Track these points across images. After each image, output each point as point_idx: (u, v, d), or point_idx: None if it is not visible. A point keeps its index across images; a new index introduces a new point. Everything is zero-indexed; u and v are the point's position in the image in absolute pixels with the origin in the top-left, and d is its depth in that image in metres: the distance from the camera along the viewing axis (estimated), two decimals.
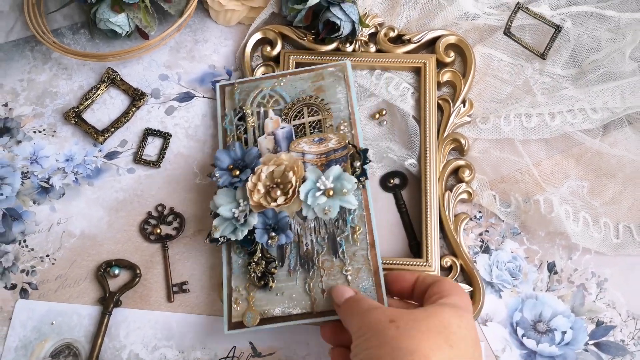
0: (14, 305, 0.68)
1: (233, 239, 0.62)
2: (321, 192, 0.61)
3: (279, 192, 0.61)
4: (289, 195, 0.61)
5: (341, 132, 0.66)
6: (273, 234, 0.61)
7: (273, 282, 0.62)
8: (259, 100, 0.69)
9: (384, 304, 0.59)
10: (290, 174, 0.62)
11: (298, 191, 0.61)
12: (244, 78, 0.73)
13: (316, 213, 0.61)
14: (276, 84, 0.69)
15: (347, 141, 0.65)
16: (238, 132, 0.68)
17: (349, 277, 0.61)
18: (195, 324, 0.67)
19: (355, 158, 0.64)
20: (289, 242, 0.62)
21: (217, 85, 0.72)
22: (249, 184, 0.62)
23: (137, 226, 0.71)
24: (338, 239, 0.62)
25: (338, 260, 0.62)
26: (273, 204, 0.61)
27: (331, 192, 0.61)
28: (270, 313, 0.61)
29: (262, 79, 0.71)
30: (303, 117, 0.67)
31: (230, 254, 0.64)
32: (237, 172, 0.63)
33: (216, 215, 0.63)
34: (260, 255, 0.62)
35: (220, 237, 0.62)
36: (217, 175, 0.63)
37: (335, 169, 0.62)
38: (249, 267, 0.62)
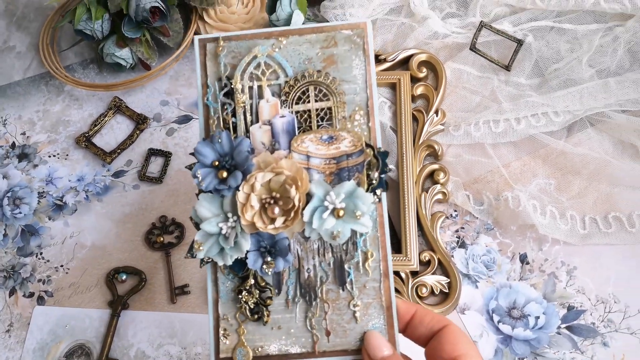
0: (32, 312, 0.75)
1: (220, 263, 0.50)
2: (329, 212, 0.49)
3: (277, 211, 0.48)
4: (290, 217, 0.49)
5: (355, 123, 0.52)
6: (269, 258, 0.49)
7: (268, 315, 0.51)
8: (251, 71, 0.52)
9: (396, 346, 0.50)
10: (293, 189, 0.48)
11: (301, 212, 0.49)
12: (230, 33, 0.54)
13: (322, 236, 0.49)
14: (274, 46, 0.52)
15: (363, 143, 0.51)
16: (224, 113, 0.52)
17: (357, 314, 0.51)
18: (196, 322, 0.72)
19: (372, 165, 0.50)
20: (287, 267, 0.51)
21: (196, 38, 0.54)
22: (240, 196, 0.48)
23: (142, 236, 0.77)
24: (346, 266, 0.51)
25: (345, 293, 0.51)
26: (270, 226, 0.49)
27: (341, 213, 0.48)
28: (264, 351, 0.51)
29: (255, 35, 0.53)
30: (308, 101, 0.52)
31: (217, 274, 0.52)
32: (225, 174, 0.49)
33: (198, 226, 0.50)
34: (254, 282, 0.51)
35: (205, 257, 0.50)
36: (199, 174, 0.49)
37: (348, 185, 0.49)
38: (240, 296, 0.51)
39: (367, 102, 0.52)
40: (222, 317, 0.51)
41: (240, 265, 0.50)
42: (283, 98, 0.52)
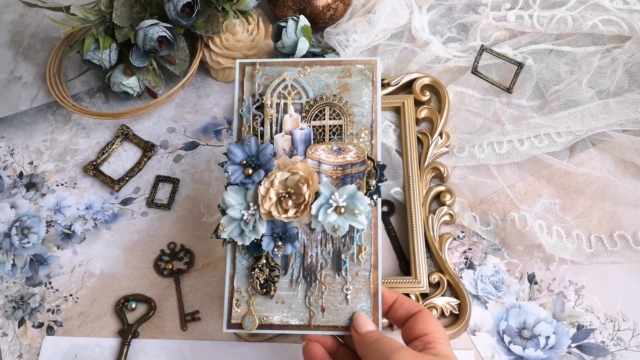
0: (41, 342, 0.72)
1: (240, 242, 0.60)
2: (332, 208, 0.59)
3: (290, 203, 0.59)
4: (300, 209, 0.59)
5: (361, 139, 0.62)
6: (280, 243, 0.60)
7: (275, 290, 0.60)
8: (280, 91, 0.64)
9: (379, 326, 0.58)
10: (305, 187, 0.58)
11: (310, 206, 0.59)
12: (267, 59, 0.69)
13: (325, 228, 0.59)
14: (300, 73, 0.64)
15: (365, 156, 0.61)
16: (255, 122, 0.64)
17: (349, 297, 0.60)
18: (208, 349, 0.70)
19: (371, 174, 0.61)
20: (294, 252, 0.61)
21: (238, 62, 0.66)
22: (262, 189, 0.59)
23: (151, 263, 0.75)
24: (343, 255, 0.60)
25: (340, 278, 0.60)
26: (284, 215, 0.59)
27: (342, 210, 0.58)
28: (269, 320, 0.60)
29: (286, 63, 0.66)
30: (324, 119, 0.63)
31: (235, 254, 0.62)
32: (250, 171, 0.60)
33: (224, 212, 0.61)
34: (265, 262, 0.61)
35: (227, 237, 0.60)
36: (229, 170, 0.60)
37: (350, 189, 0.59)
38: (253, 272, 0.61)
39: (372, 124, 0.63)
40: (236, 290, 0.61)
41: (255, 247, 0.61)
42: (303, 114, 0.64)
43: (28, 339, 0.73)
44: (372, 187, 0.60)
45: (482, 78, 0.80)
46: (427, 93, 0.80)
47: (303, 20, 0.77)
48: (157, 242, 0.77)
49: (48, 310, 0.74)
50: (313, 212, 0.59)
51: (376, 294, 0.59)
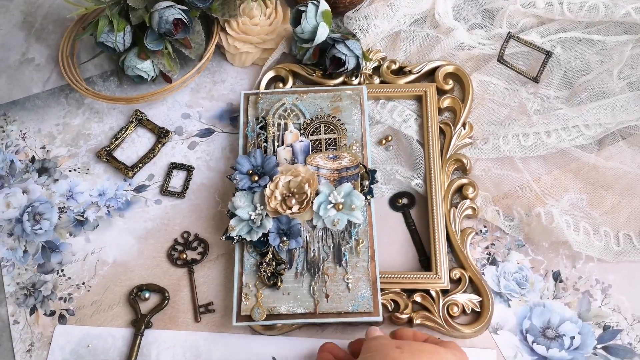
0: (53, 331, 0.71)
1: (248, 239, 0.65)
2: (332, 205, 0.65)
3: (294, 201, 0.65)
4: (303, 205, 0.65)
5: (353, 151, 0.70)
6: (285, 238, 0.65)
7: (281, 282, 0.65)
8: (280, 113, 0.73)
9: (379, 312, 0.63)
10: (306, 186, 0.65)
11: (312, 202, 0.65)
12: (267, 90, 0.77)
13: (325, 224, 0.65)
14: (297, 99, 0.73)
15: (358, 161, 0.68)
16: (259, 139, 0.71)
17: (350, 285, 0.64)
18: (222, 341, 0.68)
19: (364, 177, 0.68)
20: (298, 247, 0.65)
21: (242, 93, 0.75)
22: (267, 191, 0.66)
23: (165, 252, 0.73)
24: (343, 249, 0.65)
25: (341, 269, 0.65)
26: (288, 211, 0.65)
27: (341, 206, 0.65)
28: (276, 310, 0.64)
29: (285, 92, 0.75)
30: (320, 134, 0.71)
31: (243, 253, 0.67)
32: (256, 178, 0.67)
33: (233, 215, 0.66)
34: (272, 256, 0.65)
35: (236, 236, 0.65)
36: (237, 178, 0.67)
37: (347, 186, 0.66)
38: (260, 267, 0.65)
39: (362, 138, 0.71)
40: (245, 285, 0.66)
41: (262, 244, 0.66)
42: (301, 131, 0.72)
43: (40, 327, 0.71)
44: (365, 188, 0.67)
45: (508, 67, 0.76)
46: (450, 82, 0.77)
47: (323, 5, 0.74)
48: (171, 231, 0.74)
49: (60, 299, 0.72)
50: (314, 208, 0.65)
51: (375, 283, 0.64)
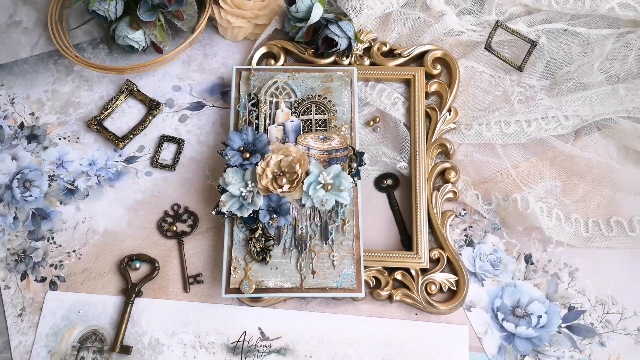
0: (44, 297, 0.72)
1: (239, 215, 0.66)
2: (321, 185, 0.66)
3: (284, 180, 0.66)
4: (293, 185, 0.66)
5: (342, 132, 0.70)
6: (274, 216, 0.66)
7: (270, 257, 0.66)
8: (272, 91, 0.73)
9: (362, 288, 0.65)
10: (297, 166, 0.66)
11: (302, 182, 0.66)
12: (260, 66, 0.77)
13: (314, 203, 0.67)
14: (290, 77, 0.73)
15: (347, 143, 0.69)
16: (250, 116, 0.71)
17: (335, 262, 0.66)
18: (209, 311, 0.70)
19: (352, 159, 0.69)
20: (287, 224, 0.67)
21: (234, 68, 0.74)
22: (259, 169, 0.66)
23: (155, 224, 0.74)
24: (329, 227, 0.67)
25: (327, 247, 0.67)
26: (279, 190, 0.66)
27: (329, 187, 0.66)
28: (264, 284, 0.66)
29: (277, 69, 0.75)
30: (311, 114, 0.72)
31: (233, 228, 0.68)
32: (248, 155, 0.67)
33: (224, 191, 0.67)
34: (261, 232, 0.67)
35: (227, 212, 0.66)
36: (229, 154, 0.67)
37: (336, 168, 0.67)
38: (249, 242, 0.66)
39: (351, 120, 0.72)
40: (234, 259, 0.67)
41: (252, 220, 0.67)
42: (293, 110, 0.72)
43: (31, 292, 0.72)
44: (353, 170, 0.68)
45: (494, 54, 0.77)
46: (439, 66, 0.78)
47: None
48: (160, 203, 0.75)
49: (51, 265, 0.73)
50: (304, 188, 0.67)
51: (359, 260, 0.66)
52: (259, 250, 0.66)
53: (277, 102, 0.72)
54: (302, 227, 0.68)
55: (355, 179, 0.68)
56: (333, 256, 0.66)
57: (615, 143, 0.75)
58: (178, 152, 0.77)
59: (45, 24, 0.84)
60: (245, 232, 0.67)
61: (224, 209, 0.66)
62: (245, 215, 0.66)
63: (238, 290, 0.66)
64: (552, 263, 0.72)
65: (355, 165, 0.68)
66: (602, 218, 0.73)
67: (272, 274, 0.66)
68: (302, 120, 0.71)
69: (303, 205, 0.68)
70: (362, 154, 0.69)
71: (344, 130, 0.71)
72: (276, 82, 0.73)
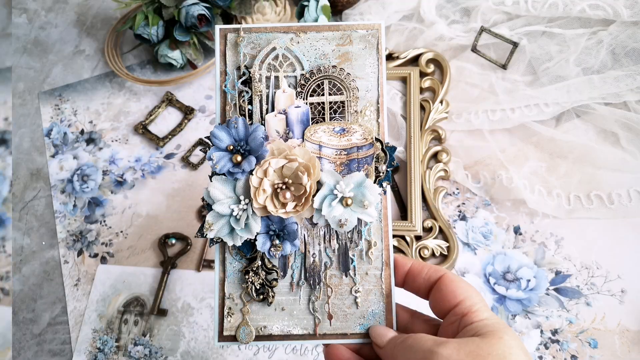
0: (96, 269, 0.81)
1: (230, 243, 0.48)
2: (338, 200, 0.47)
3: (288, 195, 0.46)
4: (300, 202, 0.47)
5: (366, 117, 0.50)
6: (277, 242, 0.48)
7: (273, 296, 0.49)
8: (269, 62, 0.50)
9: (394, 326, 0.49)
10: (305, 176, 0.46)
11: (312, 198, 0.47)
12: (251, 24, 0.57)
13: (329, 223, 0.48)
14: (293, 40, 0.50)
15: (373, 137, 0.49)
16: (241, 100, 0.50)
17: (358, 300, 0.49)
18: None
19: (380, 159, 0.49)
20: (294, 251, 0.49)
21: (217, 28, 0.51)
22: (254, 180, 0.46)
23: (189, 208, 0.83)
24: (350, 253, 0.49)
25: (348, 279, 0.49)
26: (281, 210, 0.46)
27: (350, 202, 0.47)
28: (267, 330, 0.49)
29: (275, 29, 0.51)
30: (323, 94, 0.50)
31: (225, 255, 0.50)
32: (239, 158, 0.47)
33: (210, 207, 0.48)
34: (260, 263, 0.49)
35: (215, 238, 0.48)
36: (214, 157, 0.47)
37: (358, 177, 0.47)
38: (246, 276, 0.49)
39: (377, 99, 0.50)
40: (228, 297, 0.49)
41: (248, 247, 0.48)
42: (298, 90, 0.50)
43: (85, 266, 0.81)
44: (381, 174, 0.49)
45: (480, 55, 0.85)
46: (432, 66, 0.85)
47: (323, 0, 0.84)
48: (194, 191, 0.84)
49: (102, 244, 0.83)
50: (316, 205, 0.47)
51: (389, 295, 0.49)
52: (258, 287, 0.49)
53: (276, 79, 0.50)
54: (314, 254, 0.49)
55: (385, 184, 0.49)
56: (356, 291, 0.49)
57: (594, 127, 0.80)
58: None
59: (103, 51, 0.97)
60: (241, 260, 0.49)
61: (210, 235, 0.47)
62: (239, 243, 0.47)
63: (234, 338, 0.49)
64: (539, 233, 0.76)
65: (384, 167, 0.49)
66: (583, 192, 0.77)
67: (278, 317, 0.49)
68: (310, 104, 0.50)
69: (315, 225, 0.49)
70: (394, 149, 0.49)
71: (368, 114, 0.50)
72: (274, 48, 0.50)
